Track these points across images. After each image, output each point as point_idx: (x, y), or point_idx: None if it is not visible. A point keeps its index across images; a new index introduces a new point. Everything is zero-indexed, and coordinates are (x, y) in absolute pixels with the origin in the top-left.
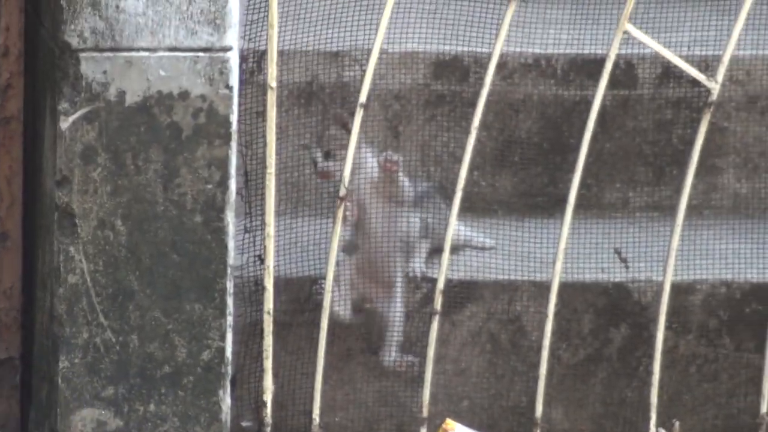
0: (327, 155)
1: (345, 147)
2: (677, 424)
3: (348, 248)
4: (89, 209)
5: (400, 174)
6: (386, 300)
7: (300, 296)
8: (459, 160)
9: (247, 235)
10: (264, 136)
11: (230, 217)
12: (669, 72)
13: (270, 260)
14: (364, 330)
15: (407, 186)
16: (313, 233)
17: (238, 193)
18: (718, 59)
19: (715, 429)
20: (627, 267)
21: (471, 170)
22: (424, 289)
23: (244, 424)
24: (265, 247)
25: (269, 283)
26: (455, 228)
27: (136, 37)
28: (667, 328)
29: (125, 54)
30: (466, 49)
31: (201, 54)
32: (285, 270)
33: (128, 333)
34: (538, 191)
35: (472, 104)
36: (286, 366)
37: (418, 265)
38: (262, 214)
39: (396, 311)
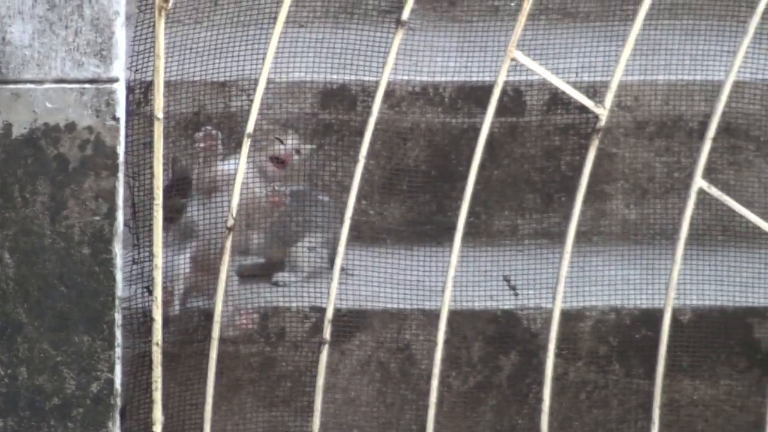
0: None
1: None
2: None
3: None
4: None
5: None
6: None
7: (188, 327)
8: (347, 189)
9: (135, 267)
10: (151, 167)
11: (118, 249)
12: (557, 98)
13: (158, 292)
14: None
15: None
16: None
17: (125, 224)
18: (606, 85)
19: None
20: (516, 294)
21: (359, 199)
22: (313, 318)
23: None
24: (153, 278)
25: (157, 315)
26: None
27: (23, 69)
28: (557, 355)
29: (11, 86)
30: (353, 77)
31: (87, 85)
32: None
33: (17, 365)
34: (426, 219)
35: (360, 133)
36: (176, 397)
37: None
38: (150, 246)
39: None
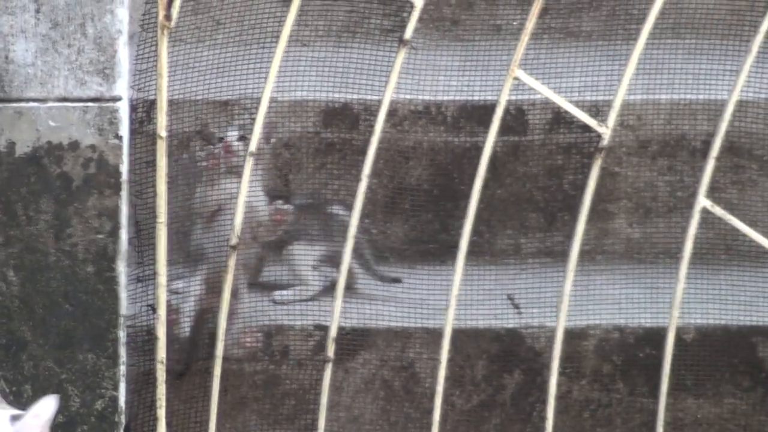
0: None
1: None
2: None
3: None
4: None
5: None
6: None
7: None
8: (350, 208)
9: (139, 285)
10: (154, 186)
11: (122, 267)
12: (560, 117)
13: (162, 309)
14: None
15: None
16: None
17: (129, 242)
18: (608, 104)
19: None
20: (520, 313)
21: (362, 218)
22: (317, 337)
23: None
24: (157, 296)
25: (161, 333)
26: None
27: (26, 88)
28: (561, 373)
29: (15, 105)
30: (355, 96)
31: (90, 104)
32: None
33: (22, 383)
34: (429, 238)
35: (363, 152)
36: (180, 414)
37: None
38: (154, 264)
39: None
